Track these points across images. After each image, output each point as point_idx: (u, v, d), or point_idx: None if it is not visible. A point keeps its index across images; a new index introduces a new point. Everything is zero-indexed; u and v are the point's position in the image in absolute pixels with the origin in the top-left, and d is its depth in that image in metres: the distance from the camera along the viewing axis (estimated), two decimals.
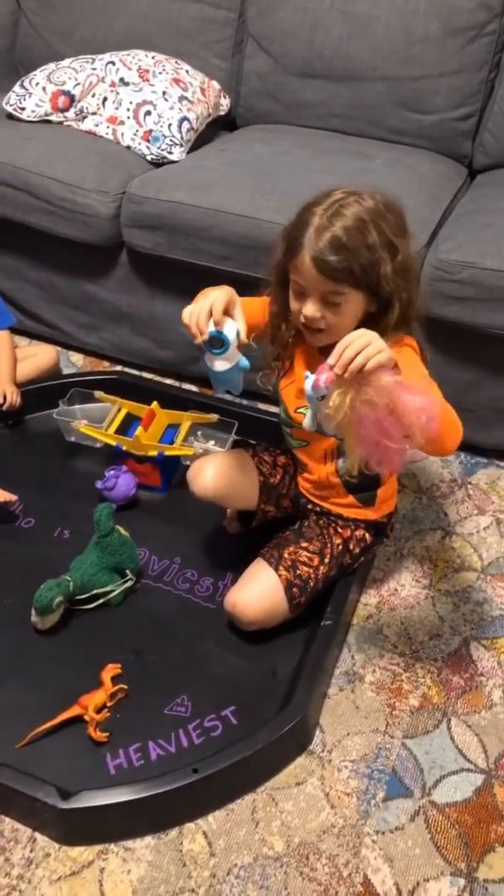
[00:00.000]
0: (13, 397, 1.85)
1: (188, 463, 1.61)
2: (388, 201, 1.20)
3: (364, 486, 1.42)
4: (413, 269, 1.24)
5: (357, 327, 1.09)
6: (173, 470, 1.77)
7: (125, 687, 1.35)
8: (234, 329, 1.21)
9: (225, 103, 2.21)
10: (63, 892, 1.12)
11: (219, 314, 1.20)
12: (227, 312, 1.22)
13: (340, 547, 1.44)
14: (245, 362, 1.24)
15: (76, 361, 2.17)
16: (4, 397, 1.83)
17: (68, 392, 1.87)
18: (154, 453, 1.68)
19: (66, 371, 2.11)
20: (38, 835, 1.18)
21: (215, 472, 1.46)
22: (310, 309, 1.21)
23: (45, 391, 1.94)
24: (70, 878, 1.14)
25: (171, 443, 1.72)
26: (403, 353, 1.20)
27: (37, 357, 1.99)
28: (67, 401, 1.83)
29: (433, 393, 1.11)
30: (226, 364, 1.23)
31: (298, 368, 1.37)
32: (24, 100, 1.99)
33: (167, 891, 1.13)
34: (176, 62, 2.09)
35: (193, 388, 2.02)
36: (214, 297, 1.21)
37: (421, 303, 1.27)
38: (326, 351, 1.11)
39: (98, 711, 1.29)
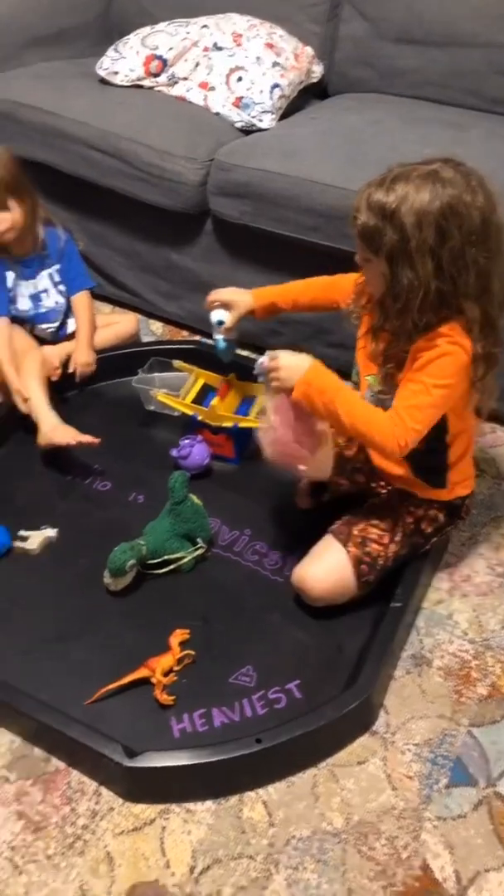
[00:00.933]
0: (88, 358, 1.86)
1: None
2: (480, 192, 1.15)
3: (430, 467, 1.39)
4: (472, 262, 1.17)
5: (392, 297, 1.21)
6: (247, 442, 1.76)
7: (192, 653, 1.36)
8: (217, 317, 1.56)
9: (317, 70, 2.17)
10: (126, 845, 1.15)
11: (210, 304, 1.56)
12: (228, 307, 1.54)
13: (412, 526, 1.42)
14: (221, 345, 1.59)
15: (156, 330, 2.18)
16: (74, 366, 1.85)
17: (147, 360, 1.88)
18: (229, 424, 1.68)
19: (145, 339, 2.13)
20: (103, 789, 1.21)
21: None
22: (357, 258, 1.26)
23: (124, 358, 1.96)
24: (133, 833, 1.16)
25: (246, 415, 1.72)
26: (427, 356, 1.22)
27: (118, 325, 2.01)
28: (147, 369, 1.84)
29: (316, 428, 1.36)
30: (217, 338, 1.60)
31: (364, 336, 1.36)
32: (118, 64, 1.99)
33: (226, 855, 1.14)
34: (270, 26, 2.05)
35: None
36: (228, 292, 1.54)
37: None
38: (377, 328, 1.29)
39: (165, 675, 1.31)
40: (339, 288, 1.48)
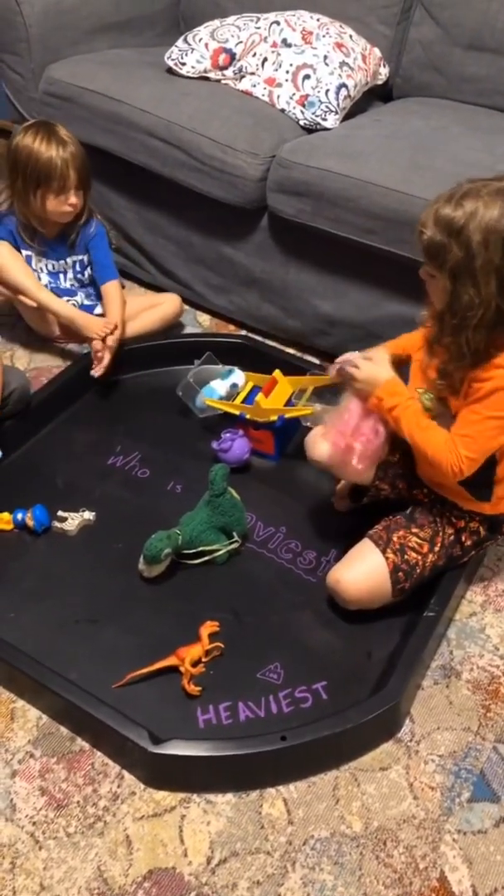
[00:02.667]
0: (116, 326, 1.85)
1: (308, 424, 1.60)
2: None
3: (477, 481, 1.36)
4: None
5: (451, 313, 1.20)
6: (288, 439, 1.76)
7: (221, 645, 1.37)
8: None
9: (383, 72, 2.15)
10: (145, 830, 1.16)
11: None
12: None
13: (452, 537, 1.41)
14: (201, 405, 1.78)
15: (203, 322, 2.19)
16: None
17: (190, 350, 1.88)
18: (274, 418, 1.68)
19: (192, 331, 2.13)
20: (125, 773, 1.22)
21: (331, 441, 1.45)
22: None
23: (167, 347, 1.97)
24: (152, 818, 1.17)
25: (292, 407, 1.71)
26: (484, 388, 1.23)
27: (162, 306, 2.03)
28: (202, 361, 1.83)
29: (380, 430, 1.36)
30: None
31: (420, 348, 1.36)
32: (186, 55, 1.99)
33: (243, 848, 1.15)
34: (340, 26, 2.04)
35: (315, 360, 2.01)
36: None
37: None
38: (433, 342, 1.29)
39: (194, 665, 1.32)
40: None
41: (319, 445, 1.45)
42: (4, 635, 1.32)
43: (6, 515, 1.56)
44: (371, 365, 1.36)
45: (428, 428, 1.31)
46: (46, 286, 1.92)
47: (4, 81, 2.15)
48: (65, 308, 1.88)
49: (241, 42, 1.97)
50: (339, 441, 1.39)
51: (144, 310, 2.00)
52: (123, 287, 2.01)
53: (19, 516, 1.55)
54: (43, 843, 1.14)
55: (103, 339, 1.81)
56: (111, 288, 1.92)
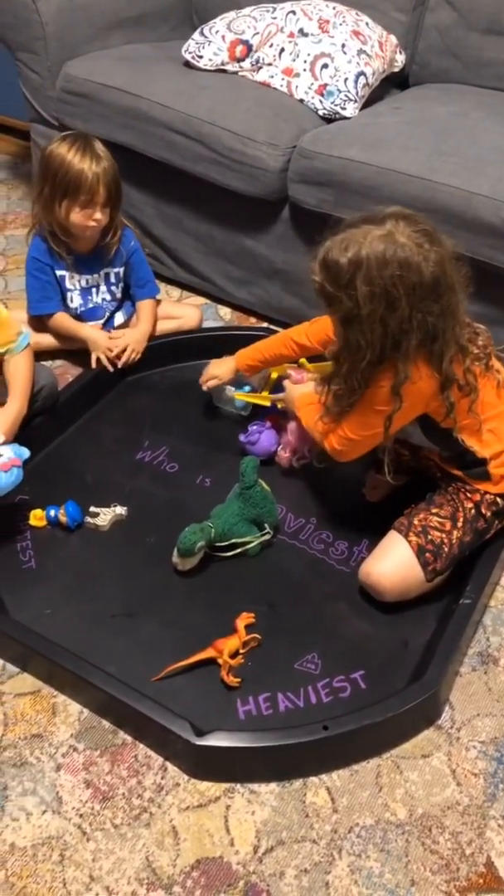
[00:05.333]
0: (140, 346, 1.89)
1: None
2: (432, 253, 1.19)
3: (461, 461, 1.42)
4: (418, 325, 1.23)
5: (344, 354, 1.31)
6: None
7: (258, 636, 1.37)
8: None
9: (400, 59, 2.14)
10: (191, 820, 1.17)
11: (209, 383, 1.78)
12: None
13: (473, 511, 1.41)
14: (240, 403, 1.82)
15: (224, 315, 2.19)
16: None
17: (213, 343, 1.88)
18: None
19: (214, 324, 2.14)
20: (168, 764, 1.23)
21: None
22: None
23: (193, 341, 1.98)
24: (198, 809, 1.18)
25: None
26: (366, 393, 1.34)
27: (181, 320, 2.03)
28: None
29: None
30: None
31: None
32: (203, 48, 1.99)
33: (289, 837, 1.15)
34: (356, 13, 2.03)
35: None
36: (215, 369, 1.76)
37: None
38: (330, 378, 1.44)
39: (232, 657, 1.33)
40: (313, 331, 1.63)
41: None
42: (43, 631, 1.33)
43: (39, 512, 1.57)
44: (290, 389, 1.63)
45: (310, 417, 1.48)
46: (77, 308, 1.92)
47: (22, 80, 2.16)
48: (82, 330, 1.90)
49: (257, 33, 1.97)
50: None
51: (162, 319, 2.00)
52: (159, 302, 2.02)
53: (52, 513, 1.56)
54: (91, 834, 1.15)
55: (110, 359, 1.86)
56: (146, 306, 1.95)
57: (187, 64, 2.03)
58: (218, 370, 1.74)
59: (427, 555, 1.38)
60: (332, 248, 1.22)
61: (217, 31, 1.99)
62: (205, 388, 1.76)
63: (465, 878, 1.11)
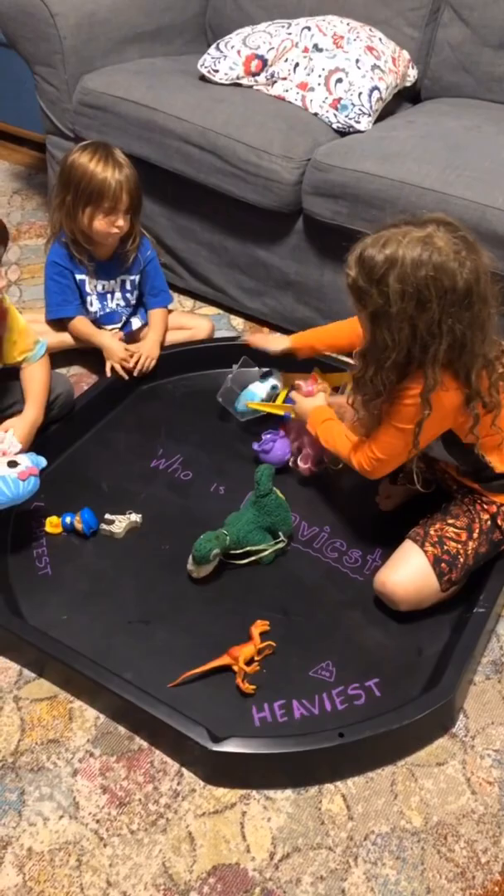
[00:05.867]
0: (153, 353, 1.91)
1: None
2: (468, 261, 1.19)
3: (477, 472, 1.42)
4: (447, 331, 1.23)
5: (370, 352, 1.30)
6: None
7: (273, 644, 1.38)
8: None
9: (412, 74, 2.17)
10: (207, 827, 1.17)
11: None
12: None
13: (489, 522, 1.42)
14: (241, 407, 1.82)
15: (237, 325, 2.21)
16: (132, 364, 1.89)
17: (226, 353, 1.89)
18: None
19: (227, 334, 2.15)
20: (184, 770, 1.24)
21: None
22: None
23: (207, 351, 1.99)
24: (214, 815, 1.19)
25: None
26: (393, 405, 1.33)
27: (193, 330, 2.04)
28: (240, 365, 1.85)
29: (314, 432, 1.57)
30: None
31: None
32: (219, 62, 2.02)
33: (305, 844, 1.16)
34: (370, 29, 2.06)
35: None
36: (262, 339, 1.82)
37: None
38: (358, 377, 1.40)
39: (247, 664, 1.33)
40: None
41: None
42: (59, 637, 1.34)
43: (55, 519, 1.58)
44: (301, 402, 1.63)
45: (337, 438, 1.50)
46: (96, 313, 1.94)
47: (39, 93, 2.19)
48: (100, 337, 1.92)
49: (272, 48, 2.00)
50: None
51: (174, 329, 2.02)
52: (171, 311, 2.04)
53: (68, 520, 1.58)
54: (107, 840, 1.16)
55: (125, 367, 1.88)
56: (158, 315, 1.98)
57: (203, 78, 2.05)
58: (267, 342, 1.77)
59: (443, 565, 1.39)
60: (370, 245, 1.22)
61: (233, 46, 2.02)
62: (248, 340, 1.81)
63: (481, 887, 1.12)
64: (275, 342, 1.76)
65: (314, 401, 1.61)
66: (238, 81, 2.03)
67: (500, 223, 1.63)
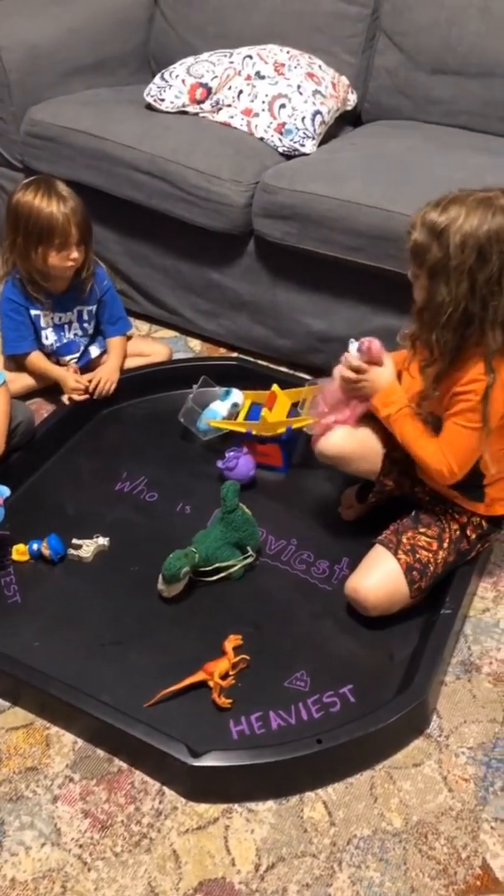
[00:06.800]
0: (113, 377, 1.93)
1: (311, 433, 1.62)
2: None
3: (465, 483, 1.42)
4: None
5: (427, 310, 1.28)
6: (293, 450, 1.81)
7: (247, 657, 1.39)
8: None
9: (352, 98, 2.24)
10: (191, 843, 1.17)
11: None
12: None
13: (458, 532, 1.46)
14: (203, 427, 1.83)
15: (194, 346, 2.23)
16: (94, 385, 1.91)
17: (186, 374, 1.92)
18: (282, 430, 1.72)
19: (184, 356, 2.18)
20: (166, 789, 1.24)
21: (343, 431, 1.49)
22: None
23: (166, 372, 2.01)
24: (197, 831, 1.19)
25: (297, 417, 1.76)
26: (461, 405, 1.31)
27: (151, 357, 2.06)
28: (200, 385, 1.87)
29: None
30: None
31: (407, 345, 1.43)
32: (165, 91, 2.06)
33: (289, 853, 1.17)
34: (309, 57, 2.13)
35: (307, 376, 2.06)
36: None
37: None
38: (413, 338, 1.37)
39: (223, 678, 1.34)
40: None
41: (329, 437, 1.50)
42: (32, 664, 1.34)
43: (21, 547, 1.58)
44: (375, 371, 1.43)
45: (420, 436, 1.40)
46: (52, 345, 1.95)
47: None
48: (54, 371, 1.94)
49: (216, 76, 2.05)
50: (322, 419, 1.51)
51: (132, 356, 2.04)
52: (130, 338, 2.06)
53: (34, 546, 1.57)
54: (91, 864, 1.15)
55: (85, 390, 1.89)
56: (117, 342, 1.99)
57: (149, 107, 2.10)
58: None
59: (414, 573, 1.41)
60: (432, 207, 1.25)
61: (177, 76, 2.07)
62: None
63: (463, 882, 1.14)
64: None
65: (386, 372, 1.43)
66: (184, 109, 2.07)
67: None
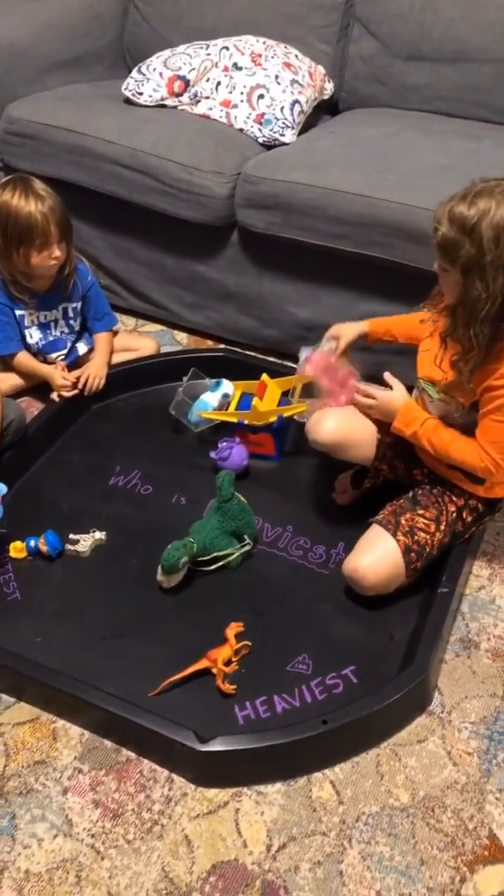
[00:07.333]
0: (101, 372, 1.94)
1: (303, 420, 1.64)
2: None
3: None
4: None
5: (462, 306, 1.27)
6: (285, 439, 1.82)
7: (249, 644, 1.41)
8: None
9: (329, 87, 2.25)
10: (202, 828, 1.19)
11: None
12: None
13: (454, 514, 1.48)
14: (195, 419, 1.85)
15: (181, 340, 2.24)
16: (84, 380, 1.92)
17: (174, 367, 1.93)
18: (273, 419, 1.74)
19: (171, 349, 2.18)
20: (174, 776, 1.25)
21: (336, 419, 1.52)
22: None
23: (156, 366, 2.02)
24: (208, 815, 1.20)
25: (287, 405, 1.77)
26: (496, 398, 1.31)
27: (138, 352, 2.07)
28: (189, 378, 1.87)
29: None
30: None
31: (431, 339, 1.42)
32: (142, 85, 2.06)
33: (300, 832, 1.18)
34: (286, 47, 2.13)
35: (295, 365, 2.06)
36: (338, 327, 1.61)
37: None
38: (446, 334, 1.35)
39: (226, 665, 1.36)
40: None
41: (323, 425, 1.51)
42: (35, 659, 1.34)
43: (19, 544, 1.58)
44: (385, 395, 1.46)
45: (454, 440, 1.41)
46: (37, 344, 1.95)
47: None
48: (42, 369, 1.94)
49: (193, 69, 2.05)
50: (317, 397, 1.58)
51: (119, 352, 2.04)
52: (116, 333, 2.06)
53: (32, 543, 1.58)
54: (104, 853, 1.16)
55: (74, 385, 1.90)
56: (104, 338, 2.00)
57: (128, 101, 2.09)
58: (343, 330, 1.59)
59: (412, 554, 1.43)
60: (459, 201, 1.22)
61: (154, 69, 2.07)
62: (326, 341, 1.61)
63: (471, 852, 1.16)
64: (350, 328, 1.60)
65: (397, 395, 1.46)
66: (163, 102, 2.07)
67: (425, 222, 1.69)
